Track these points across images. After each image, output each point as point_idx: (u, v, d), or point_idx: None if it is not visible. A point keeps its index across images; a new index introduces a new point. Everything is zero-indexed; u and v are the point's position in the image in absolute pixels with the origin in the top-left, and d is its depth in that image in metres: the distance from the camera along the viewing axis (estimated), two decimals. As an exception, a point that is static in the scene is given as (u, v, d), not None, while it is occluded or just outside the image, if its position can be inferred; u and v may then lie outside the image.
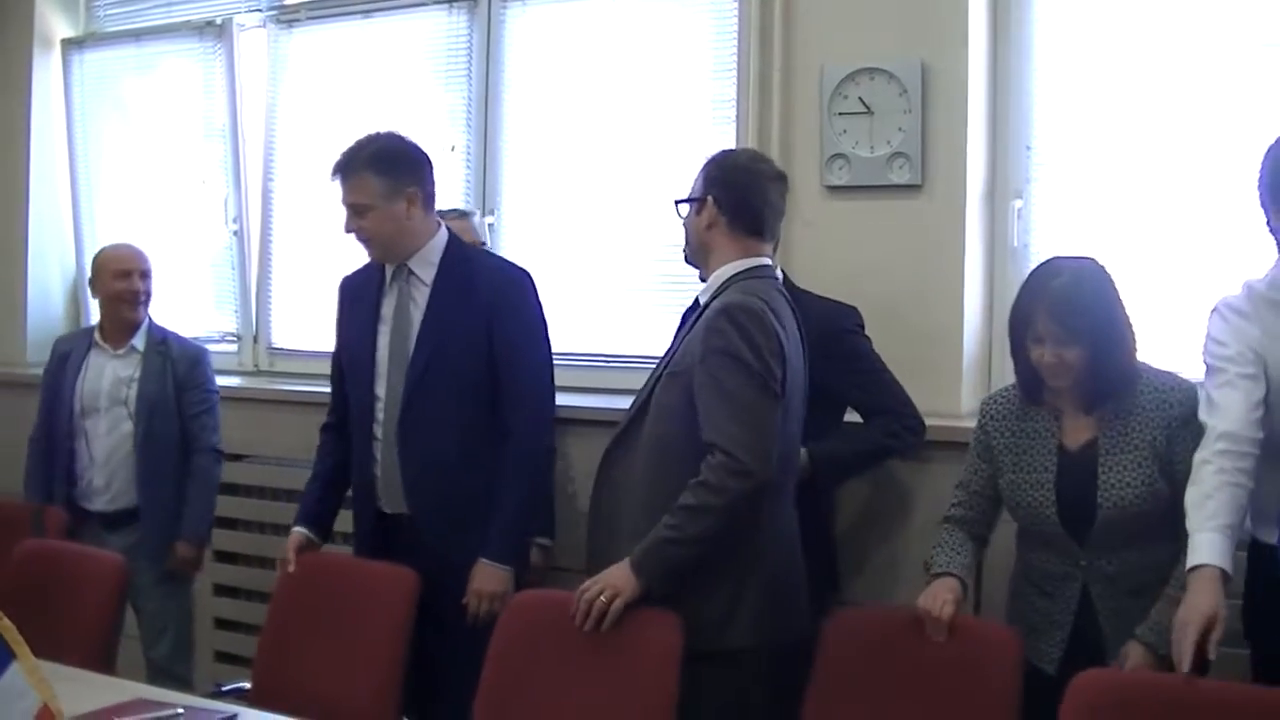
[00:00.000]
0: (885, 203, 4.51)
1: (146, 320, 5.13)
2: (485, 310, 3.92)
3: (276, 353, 6.05)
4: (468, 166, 5.46)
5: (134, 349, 5.09)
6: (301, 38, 5.91)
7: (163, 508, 4.98)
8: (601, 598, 3.36)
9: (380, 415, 4.00)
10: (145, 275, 5.10)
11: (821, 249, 4.60)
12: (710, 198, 3.59)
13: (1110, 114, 4.38)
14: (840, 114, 4.53)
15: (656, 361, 3.65)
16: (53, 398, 5.16)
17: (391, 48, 5.71)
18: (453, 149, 5.46)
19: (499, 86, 5.43)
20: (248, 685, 3.99)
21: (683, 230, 3.68)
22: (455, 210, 4.80)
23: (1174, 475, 3.26)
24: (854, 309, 4.18)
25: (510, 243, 5.37)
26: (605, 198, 5.15)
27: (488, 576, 3.87)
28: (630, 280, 5.08)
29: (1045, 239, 4.47)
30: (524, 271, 4.09)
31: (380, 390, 4.00)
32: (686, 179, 4.35)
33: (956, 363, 4.43)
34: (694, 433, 3.38)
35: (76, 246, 6.66)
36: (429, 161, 4.05)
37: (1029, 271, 3.82)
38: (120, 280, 5.04)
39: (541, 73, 5.36)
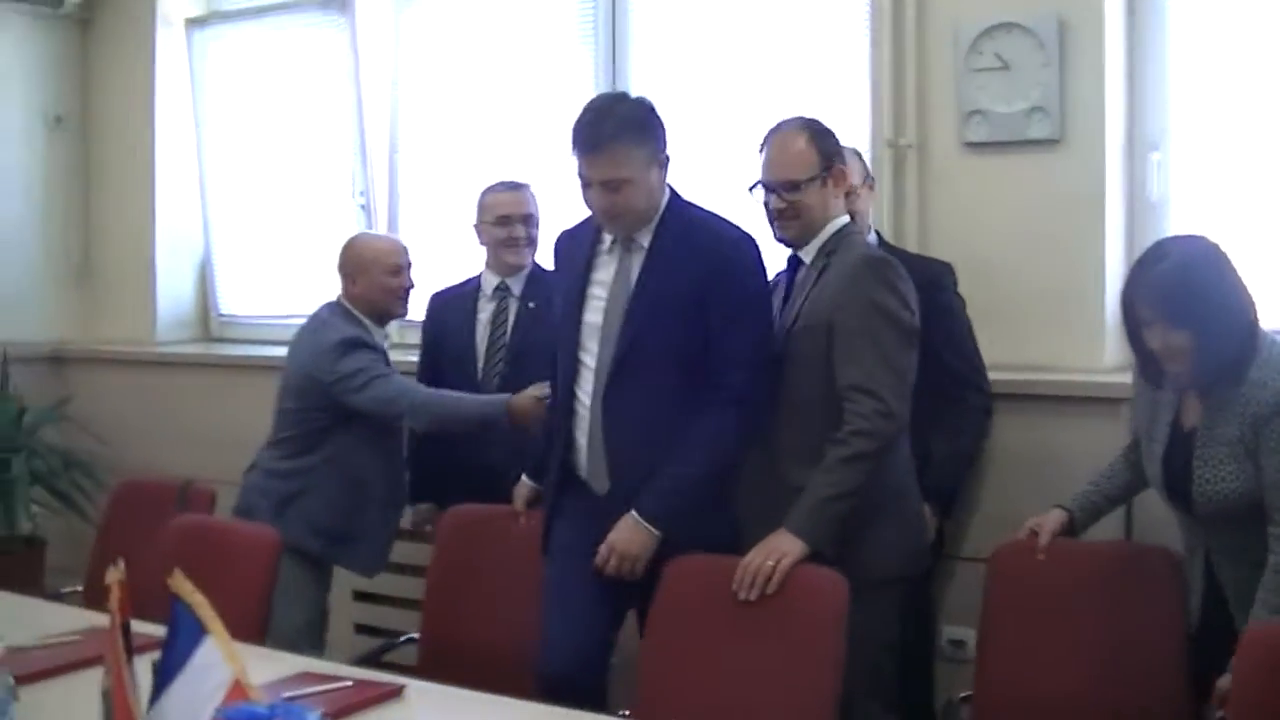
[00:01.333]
0: (1024, 157, 4.47)
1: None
2: (702, 277, 3.60)
3: (406, 325, 6.08)
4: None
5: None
6: (424, 6, 5.93)
7: None
8: (769, 562, 3.36)
9: (587, 386, 3.73)
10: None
11: (960, 206, 4.59)
12: (841, 167, 3.74)
13: (1248, 65, 4.31)
14: (977, 70, 4.49)
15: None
16: None
17: (515, 15, 5.70)
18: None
19: (626, 50, 5.41)
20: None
21: (788, 207, 3.66)
22: (507, 183, 4.81)
23: (1261, 468, 3.17)
24: (950, 266, 4.24)
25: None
26: (738, 166, 5.10)
27: (631, 535, 3.58)
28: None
29: (1184, 192, 4.42)
30: (746, 234, 3.72)
31: (588, 359, 3.73)
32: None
33: (1100, 317, 4.38)
34: (823, 382, 3.54)
35: (204, 226, 6.73)
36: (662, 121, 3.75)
37: (1168, 234, 3.89)
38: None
39: (672, 36, 5.33)
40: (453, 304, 4.88)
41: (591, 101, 3.72)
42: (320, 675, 3.21)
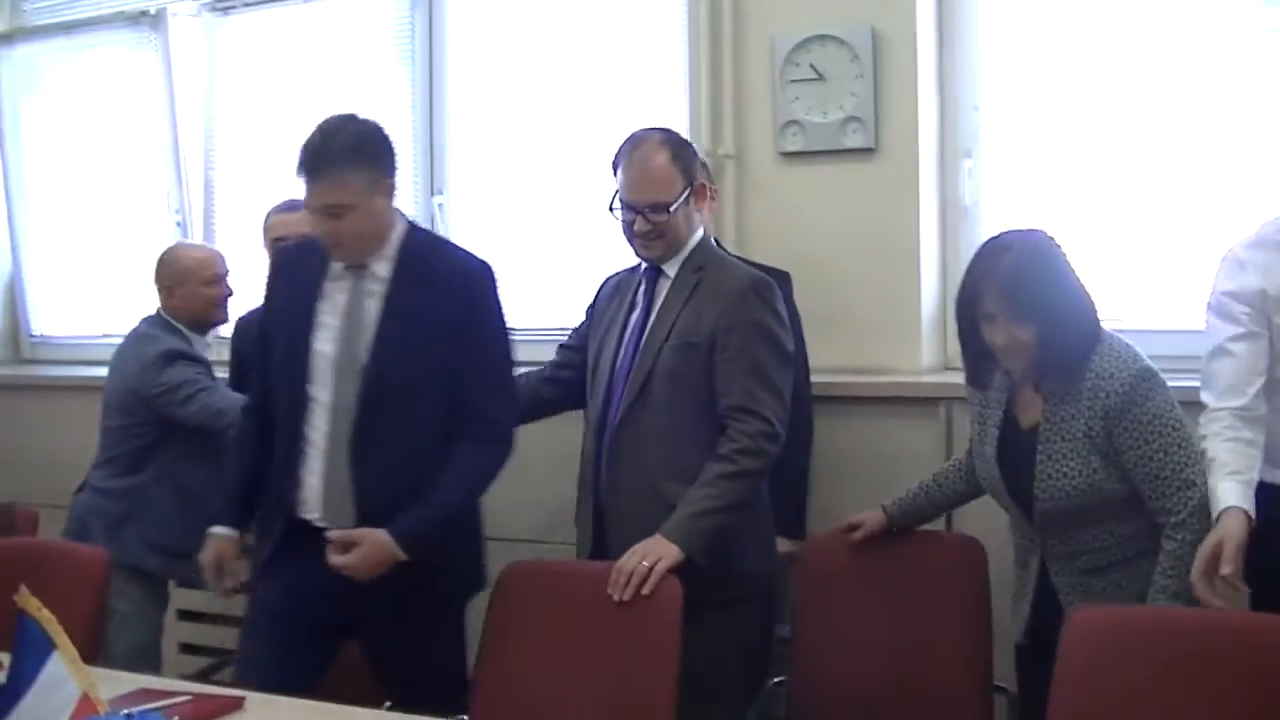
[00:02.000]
0: (840, 166, 4.58)
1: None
2: (446, 311, 3.53)
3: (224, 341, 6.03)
4: (414, 147, 5.46)
5: None
6: (238, 23, 5.89)
7: None
8: (644, 563, 3.39)
9: (320, 424, 3.58)
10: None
11: (778, 215, 4.68)
12: (703, 182, 3.82)
13: (1055, 71, 4.47)
14: (793, 81, 4.59)
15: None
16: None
17: (331, 32, 5.69)
18: (399, 130, 5.43)
19: (443, 65, 5.44)
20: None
21: (653, 228, 3.67)
22: (288, 201, 4.69)
23: (1122, 466, 3.17)
24: (787, 275, 4.28)
25: (457, 224, 5.38)
26: (555, 175, 5.16)
27: (379, 551, 3.43)
28: (581, 256, 5.08)
29: (996, 197, 4.57)
30: (486, 264, 3.66)
31: (321, 394, 3.58)
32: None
33: (915, 320, 4.51)
34: (701, 399, 3.60)
35: (12, 245, 6.57)
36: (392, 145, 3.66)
37: (980, 238, 3.93)
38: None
39: (487, 50, 5.36)
40: (254, 329, 4.76)
41: (321, 123, 3.56)
42: (158, 691, 3.18)
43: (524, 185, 5.25)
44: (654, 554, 3.41)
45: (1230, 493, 3.07)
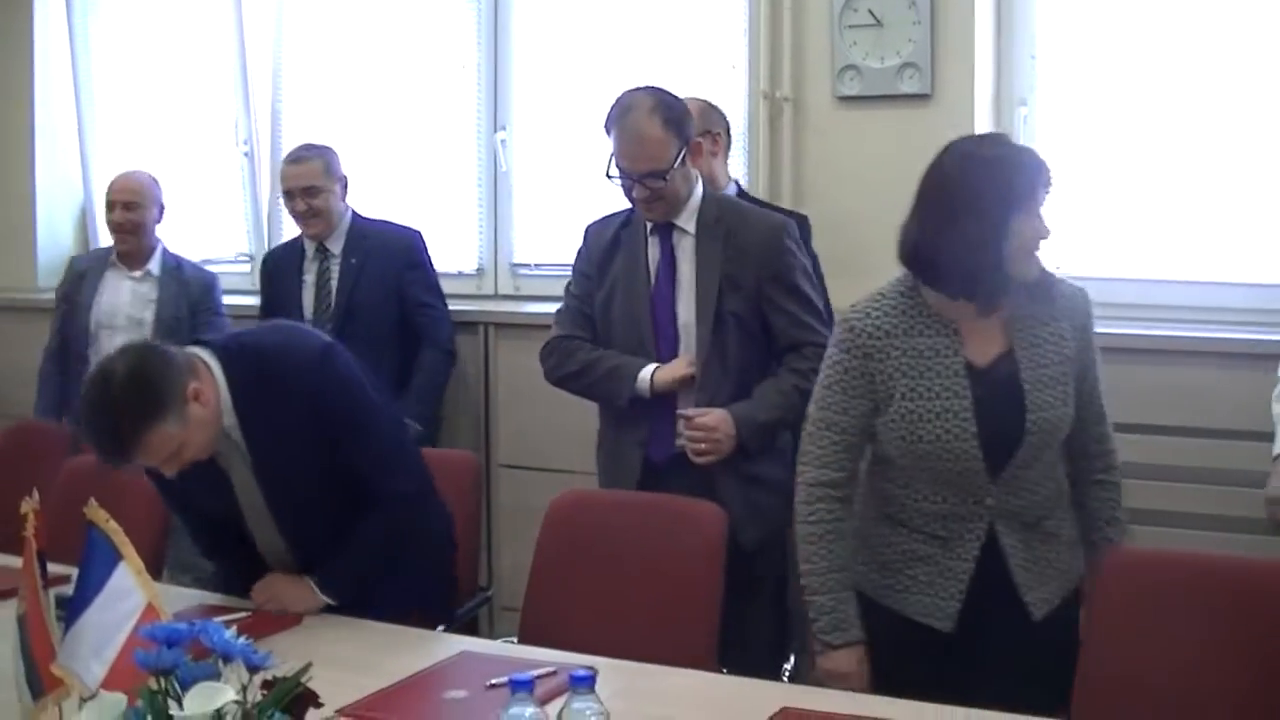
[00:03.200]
0: (896, 112, 4.63)
1: (160, 245, 5.37)
2: (307, 415, 3.33)
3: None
4: (479, 84, 5.54)
5: (150, 273, 5.32)
6: (307, -47, 5.96)
7: None
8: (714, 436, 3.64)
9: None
10: (130, 206, 5.28)
11: (833, 159, 4.74)
12: (697, 139, 3.87)
13: (1112, 22, 4.51)
14: (850, 26, 4.64)
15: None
16: (69, 314, 5.38)
17: (399, -34, 5.75)
18: (463, 67, 5.55)
19: (509, 2, 5.50)
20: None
21: (653, 191, 3.73)
22: (294, 152, 5.07)
23: (1082, 385, 3.03)
24: (805, 218, 4.39)
25: (520, 160, 5.46)
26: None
27: (301, 594, 3.40)
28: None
29: (1050, 145, 4.58)
30: (327, 346, 3.46)
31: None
32: (701, 91, 4.52)
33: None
34: (755, 340, 3.79)
35: (83, 171, 6.69)
36: None
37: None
38: (110, 211, 5.34)
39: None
40: (282, 264, 5.15)
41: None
42: (220, 607, 3.33)
43: (585, 124, 5.29)
44: (720, 432, 3.66)
45: None
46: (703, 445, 3.66)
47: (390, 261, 4.99)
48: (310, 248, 5.06)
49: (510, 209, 5.52)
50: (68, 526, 2.51)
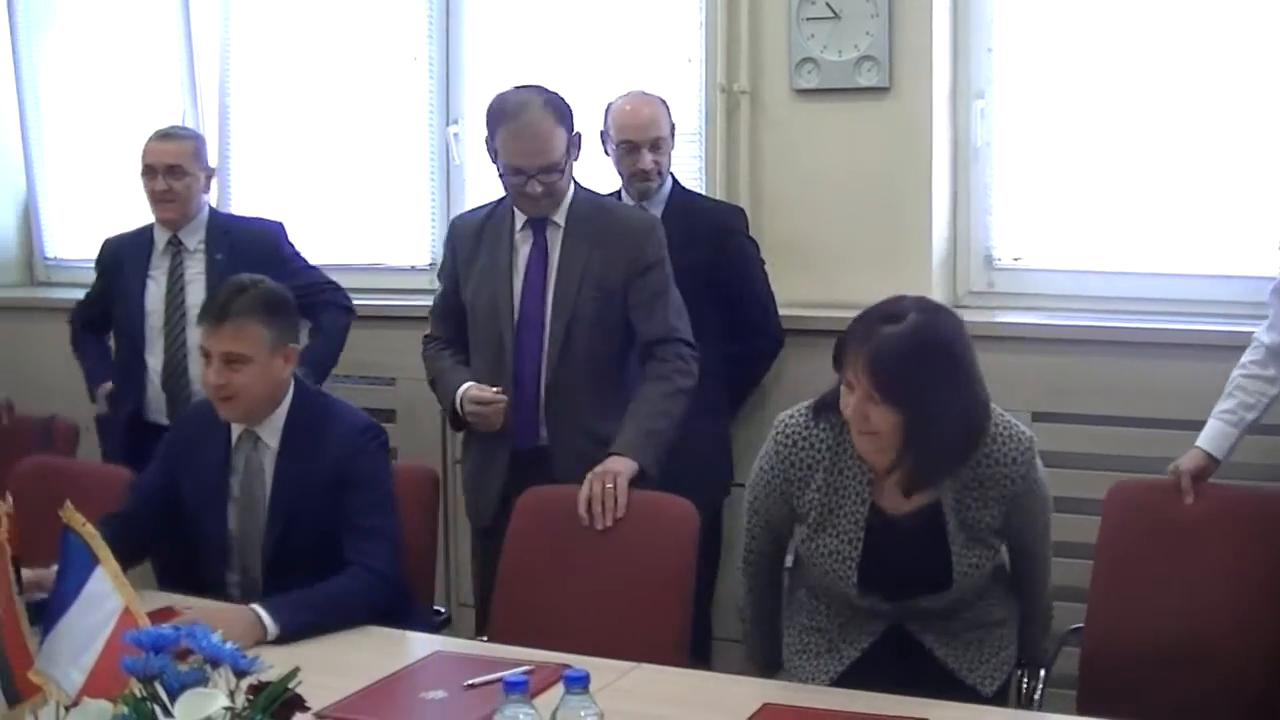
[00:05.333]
0: (854, 105, 4.63)
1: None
2: (335, 472, 3.49)
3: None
4: (431, 77, 5.50)
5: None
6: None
7: None
8: (607, 485, 3.52)
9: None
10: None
11: (791, 152, 4.74)
12: (578, 131, 3.93)
13: (1068, 15, 4.53)
14: (808, 19, 4.63)
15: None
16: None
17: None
18: (414, 59, 5.51)
19: (460, -7, 5.46)
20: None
21: (546, 187, 3.80)
22: (164, 129, 4.80)
23: (1016, 543, 3.05)
24: (741, 210, 4.55)
25: (473, 152, 5.43)
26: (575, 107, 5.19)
27: (247, 628, 3.16)
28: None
29: (1007, 138, 4.62)
30: (374, 425, 3.66)
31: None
32: (656, 85, 4.51)
33: (925, 258, 4.59)
34: (616, 339, 3.88)
35: (26, 167, 6.58)
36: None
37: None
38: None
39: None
40: (126, 254, 4.81)
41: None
42: (183, 608, 3.27)
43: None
44: (611, 472, 3.55)
45: (1205, 433, 3.46)
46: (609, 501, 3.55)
47: (257, 256, 4.37)
48: (161, 240, 4.69)
49: (463, 202, 5.47)
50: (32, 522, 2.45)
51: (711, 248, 4.34)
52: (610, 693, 2.70)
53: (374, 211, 5.63)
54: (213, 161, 5.58)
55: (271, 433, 3.55)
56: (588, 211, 3.91)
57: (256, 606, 3.21)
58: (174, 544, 3.67)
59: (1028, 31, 4.57)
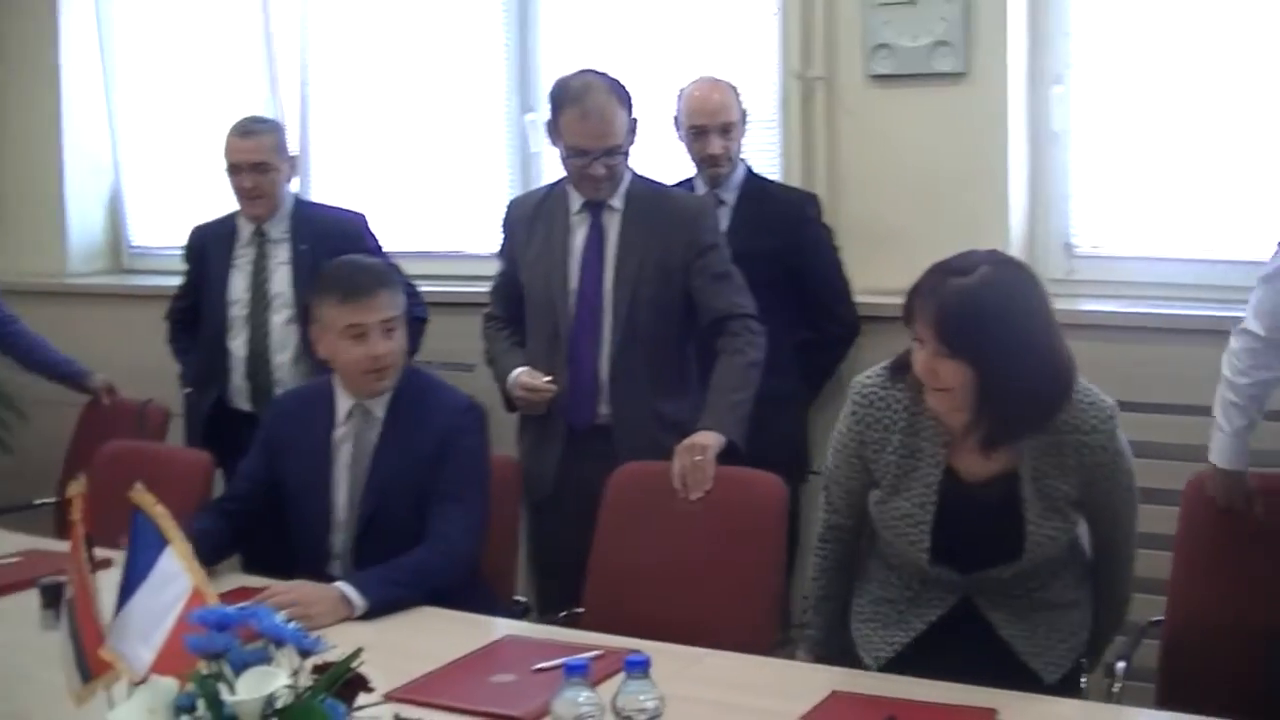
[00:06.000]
0: (929, 90, 4.60)
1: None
2: (434, 449, 3.57)
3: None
4: (508, 64, 5.54)
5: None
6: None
7: None
8: (695, 458, 3.59)
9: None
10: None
11: (867, 138, 4.72)
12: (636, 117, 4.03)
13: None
14: (883, 4, 4.60)
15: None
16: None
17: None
18: (491, 48, 5.55)
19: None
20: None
21: (609, 170, 3.92)
22: (243, 123, 4.75)
23: (1096, 516, 2.99)
24: (814, 196, 4.55)
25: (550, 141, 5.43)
26: (647, 93, 5.18)
27: (333, 604, 3.25)
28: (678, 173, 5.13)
29: (1085, 124, 4.57)
30: (476, 404, 3.72)
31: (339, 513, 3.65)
32: (732, 72, 4.52)
33: (1003, 245, 4.42)
34: (684, 321, 3.97)
35: (114, 158, 6.70)
36: None
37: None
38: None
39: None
40: (212, 242, 4.85)
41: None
42: (256, 589, 3.31)
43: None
44: (700, 445, 3.62)
45: (1230, 453, 3.43)
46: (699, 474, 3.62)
47: (341, 247, 4.26)
48: (246, 230, 4.75)
49: (541, 190, 5.49)
50: (109, 510, 2.49)
51: (784, 234, 4.35)
52: (681, 679, 2.71)
53: (452, 199, 5.66)
54: (292, 149, 5.65)
55: (380, 405, 3.63)
56: (644, 195, 3.99)
57: (342, 584, 3.28)
58: (269, 529, 3.71)
59: (1107, 16, 4.51)
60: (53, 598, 2.86)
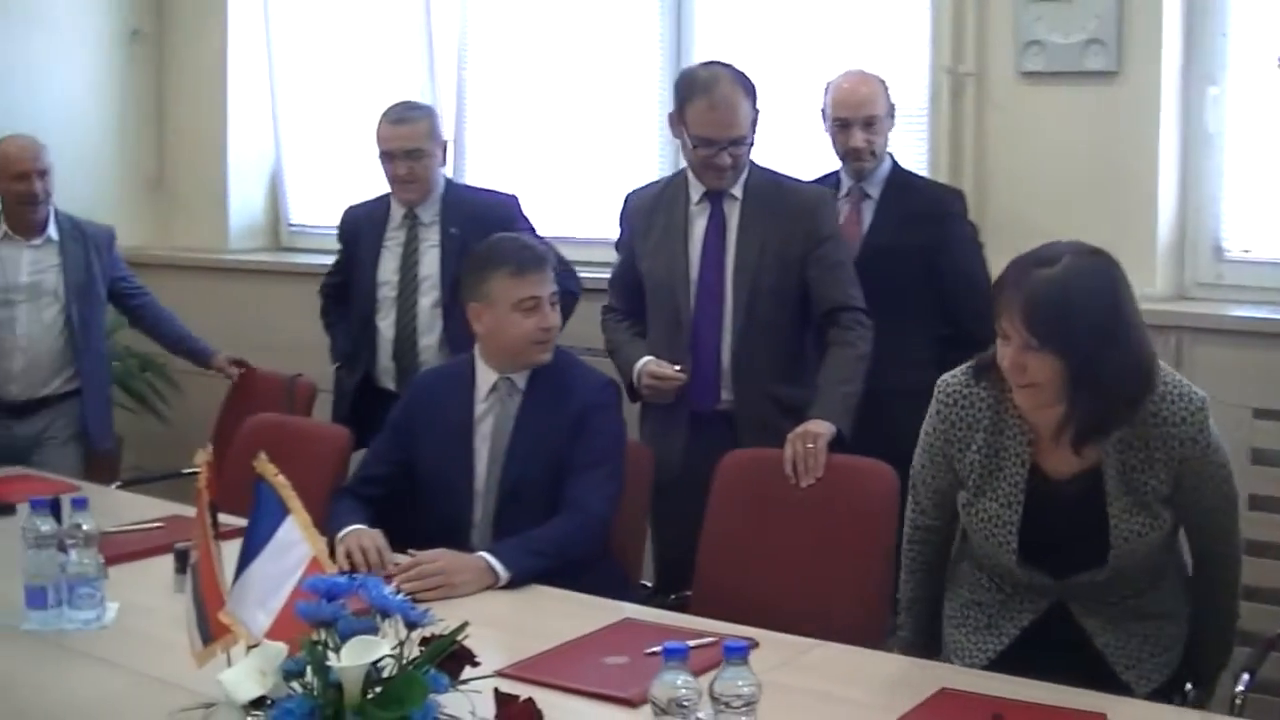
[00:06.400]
0: (1080, 88, 4.54)
1: (51, 209, 5.21)
2: (571, 426, 3.66)
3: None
4: (661, 55, 5.57)
5: (50, 239, 5.21)
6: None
7: (100, 386, 5.32)
8: (807, 445, 3.63)
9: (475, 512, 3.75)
10: (44, 174, 5.10)
11: (1016, 135, 4.67)
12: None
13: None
14: (1036, 1, 4.55)
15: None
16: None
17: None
18: (647, 39, 5.58)
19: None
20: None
21: (734, 159, 3.99)
22: (395, 110, 4.79)
23: (1187, 512, 2.88)
24: (960, 193, 4.50)
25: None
26: (802, 91, 5.18)
27: (476, 572, 3.36)
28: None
29: (1240, 125, 4.48)
30: (614, 383, 3.86)
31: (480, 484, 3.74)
32: (883, 67, 4.51)
33: (1150, 246, 4.48)
34: (800, 307, 4.03)
35: (275, 138, 6.89)
36: None
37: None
38: (19, 182, 5.08)
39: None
40: (364, 223, 4.94)
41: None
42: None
43: (768, 98, 5.28)
44: (811, 433, 3.66)
45: None
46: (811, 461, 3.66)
47: (492, 229, 4.22)
48: (398, 212, 4.81)
49: (692, 178, 5.51)
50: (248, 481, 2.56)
51: (928, 229, 4.31)
52: (787, 668, 2.76)
53: (604, 186, 5.70)
54: (448, 134, 5.72)
55: (523, 379, 3.73)
56: (764, 185, 4.04)
57: (485, 554, 3.37)
58: (405, 504, 3.79)
59: (1266, 16, 4.41)
60: (184, 562, 2.94)
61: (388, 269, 4.80)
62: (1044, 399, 2.74)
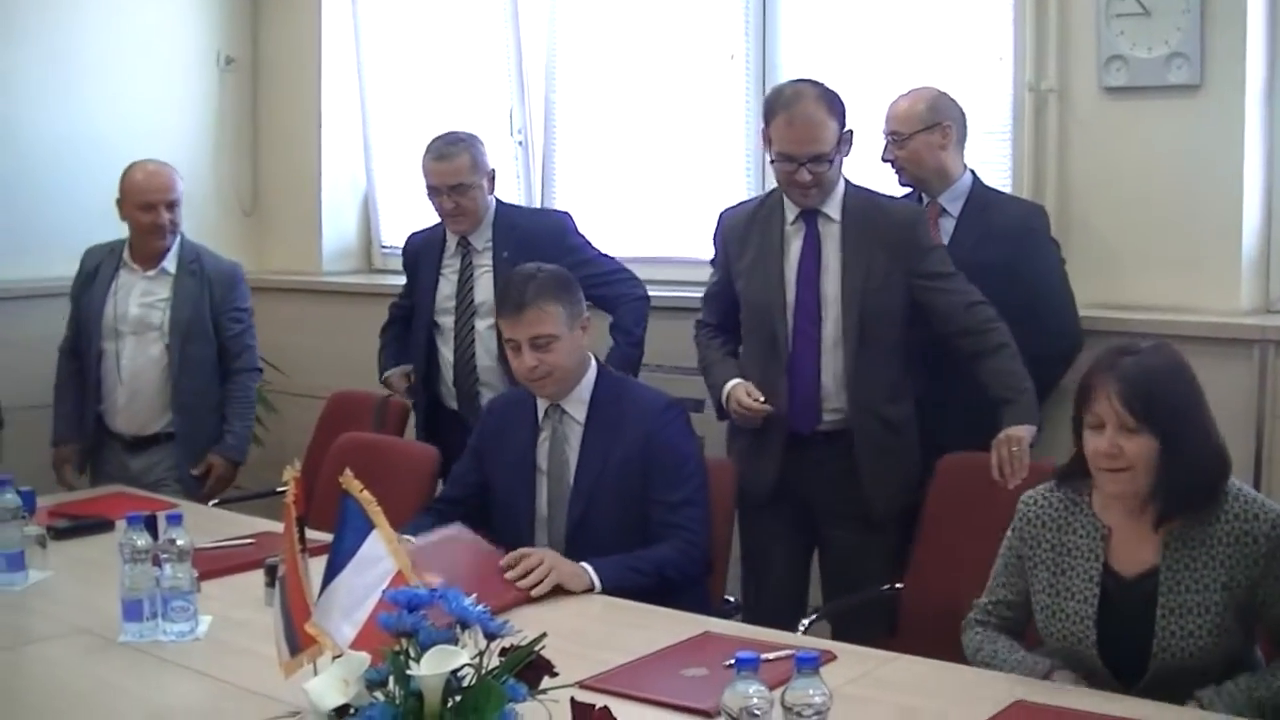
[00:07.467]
0: (1164, 103, 4.51)
1: (177, 240, 5.19)
2: (640, 447, 3.72)
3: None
4: (747, 75, 5.59)
5: (165, 271, 5.16)
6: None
7: (199, 430, 5.17)
8: (1012, 449, 3.77)
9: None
10: (172, 205, 5.08)
11: (1100, 150, 4.65)
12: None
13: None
14: (1118, 15, 4.54)
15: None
16: (81, 313, 5.24)
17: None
18: (731, 58, 5.60)
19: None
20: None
21: (815, 176, 4.02)
22: (438, 144, 4.88)
23: (1264, 618, 2.84)
24: (1041, 208, 4.50)
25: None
26: (883, 103, 5.20)
27: (576, 573, 3.49)
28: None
29: (1326, 139, 4.46)
30: (675, 403, 3.87)
31: (541, 505, 3.84)
32: (966, 83, 4.54)
33: (1235, 260, 4.44)
34: (906, 323, 4.10)
35: (366, 162, 7.00)
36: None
37: None
38: (145, 213, 5.06)
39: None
40: (423, 252, 5.05)
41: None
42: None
43: (856, 115, 5.31)
44: (1014, 437, 3.82)
45: None
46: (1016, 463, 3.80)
47: (543, 249, 4.42)
48: (453, 240, 4.90)
49: (778, 198, 5.54)
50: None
51: (1010, 246, 4.29)
52: (864, 681, 2.80)
53: (691, 206, 5.74)
54: (536, 158, 5.81)
55: (578, 406, 3.78)
56: (860, 205, 4.07)
57: (585, 564, 3.48)
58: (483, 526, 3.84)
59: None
60: (274, 576, 3.02)
61: (445, 295, 4.91)
62: (1136, 483, 2.84)
